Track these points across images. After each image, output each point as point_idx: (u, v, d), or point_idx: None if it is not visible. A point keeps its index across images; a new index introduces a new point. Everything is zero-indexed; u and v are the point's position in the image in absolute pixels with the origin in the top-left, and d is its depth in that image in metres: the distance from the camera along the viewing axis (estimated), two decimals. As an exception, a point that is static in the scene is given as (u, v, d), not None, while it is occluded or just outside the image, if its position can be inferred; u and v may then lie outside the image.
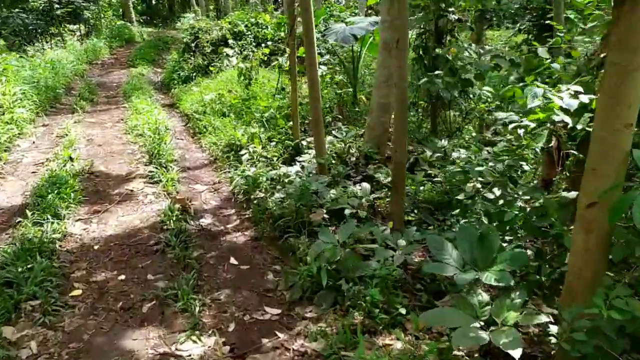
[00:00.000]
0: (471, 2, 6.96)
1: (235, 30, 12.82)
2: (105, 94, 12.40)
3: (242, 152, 6.67)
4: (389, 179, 5.44)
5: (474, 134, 6.88)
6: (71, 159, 6.58)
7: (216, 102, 9.28)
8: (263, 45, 11.54)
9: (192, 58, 12.55)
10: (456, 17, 6.59)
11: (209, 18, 20.88)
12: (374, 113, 6.56)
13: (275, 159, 6.40)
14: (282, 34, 12.48)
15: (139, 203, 5.54)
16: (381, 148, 6.56)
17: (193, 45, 12.69)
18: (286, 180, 5.42)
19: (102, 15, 21.29)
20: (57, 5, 16.14)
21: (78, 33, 17.89)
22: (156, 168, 6.37)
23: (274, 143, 6.88)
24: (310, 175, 5.43)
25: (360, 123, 7.66)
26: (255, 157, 6.43)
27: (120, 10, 25.89)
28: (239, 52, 10.90)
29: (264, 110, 8.53)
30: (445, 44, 6.84)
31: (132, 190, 5.85)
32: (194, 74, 12.22)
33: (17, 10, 14.91)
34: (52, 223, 4.75)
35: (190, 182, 6.33)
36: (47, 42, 14.83)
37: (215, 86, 10.55)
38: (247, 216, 5.27)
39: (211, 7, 30.69)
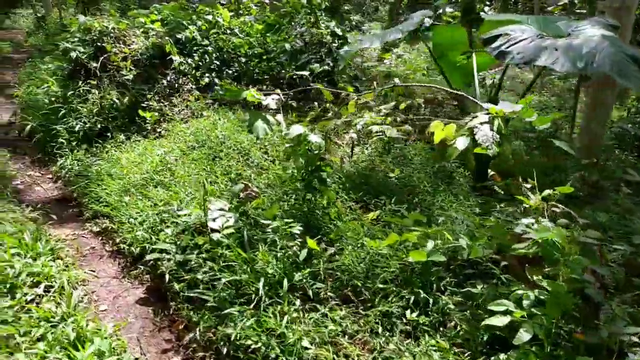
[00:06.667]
0: None
1: (179, 37, 6.77)
2: None
3: None
4: None
5: None
6: None
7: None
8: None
9: (96, 91, 6.22)
10: None
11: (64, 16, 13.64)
12: None
13: None
14: (256, 47, 6.92)
15: None
16: None
17: (95, 65, 6.32)
18: None
19: None
20: None
21: None
22: None
23: None
24: None
25: None
26: None
27: None
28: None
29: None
30: None
31: None
32: (107, 125, 6.01)
33: None
34: None
35: None
36: None
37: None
38: None
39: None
